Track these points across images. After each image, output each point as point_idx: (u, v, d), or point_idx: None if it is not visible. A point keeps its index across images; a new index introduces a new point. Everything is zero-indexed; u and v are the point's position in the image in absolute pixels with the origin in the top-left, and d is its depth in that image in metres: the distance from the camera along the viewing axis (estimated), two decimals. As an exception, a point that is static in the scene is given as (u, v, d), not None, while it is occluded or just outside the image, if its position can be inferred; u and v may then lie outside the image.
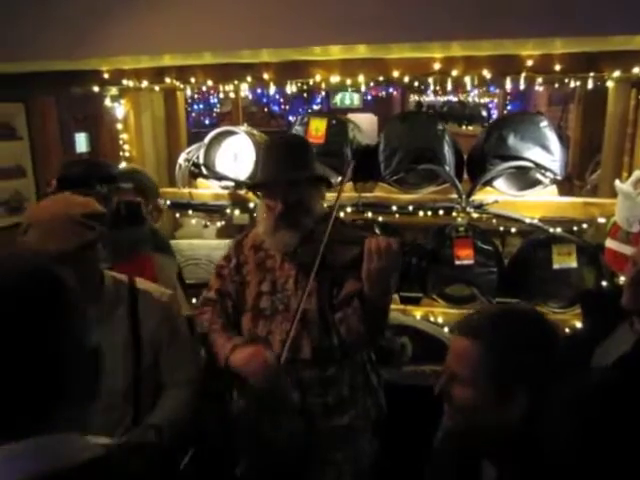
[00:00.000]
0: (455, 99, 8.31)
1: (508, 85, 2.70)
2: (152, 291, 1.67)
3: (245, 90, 3.13)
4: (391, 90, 6.59)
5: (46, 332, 0.67)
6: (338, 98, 6.75)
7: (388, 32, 2.07)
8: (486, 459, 1.23)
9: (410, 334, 2.50)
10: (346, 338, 1.71)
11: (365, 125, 3.50)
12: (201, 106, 6.48)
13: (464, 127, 7.89)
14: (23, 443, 0.64)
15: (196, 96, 3.27)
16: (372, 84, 2.58)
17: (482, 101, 8.21)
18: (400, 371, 2.38)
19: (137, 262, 2.12)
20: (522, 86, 2.71)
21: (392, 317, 2.49)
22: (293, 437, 1.78)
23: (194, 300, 2.63)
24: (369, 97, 6.95)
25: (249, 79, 2.64)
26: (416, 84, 2.56)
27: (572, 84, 2.79)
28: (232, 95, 3.35)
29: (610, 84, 2.66)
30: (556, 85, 3.07)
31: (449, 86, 2.74)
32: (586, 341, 1.91)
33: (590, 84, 2.65)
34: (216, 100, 6.33)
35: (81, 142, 4.77)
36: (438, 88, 2.93)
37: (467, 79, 2.48)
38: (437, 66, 2.44)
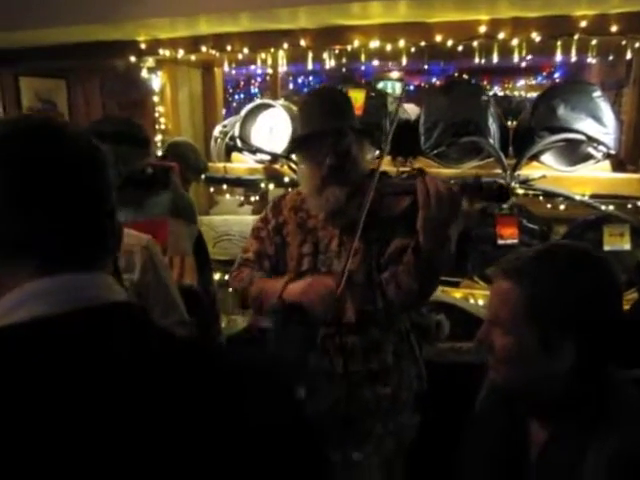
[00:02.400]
0: (500, 93, 8.07)
1: (559, 55, 2.55)
2: (128, 235, 1.59)
3: (283, 65, 3.06)
4: (434, 80, 6.45)
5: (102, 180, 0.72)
6: (380, 87, 6.57)
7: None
8: (534, 419, 1.10)
9: (447, 311, 2.37)
10: (394, 298, 1.60)
11: (408, 115, 3.37)
12: (242, 96, 6.48)
13: (509, 122, 7.62)
14: (59, 278, 0.65)
15: (234, 72, 3.23)
16: (413, 49, 2.47)
17: (528, 95, 7.94)
18: (436, 348, 2.25)
19: (153, 224, 2.08)
20: (574, 56, 2.55)
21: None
22: (334, 406, 1.69)
23: (227, 277, 2.57)
24: (411, 87, 6.82)
25: (286, 46, 2.57)
26: (460, 49, 2.43)
27: (629, 54, 2.61)
28: (270, 70, 3.29)
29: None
30: (610, 57, 2.90)
31: (495, 58, 2.61)
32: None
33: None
34: (257, 90, 6.34)
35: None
36: (483, 60, 2.78)
37: (515, 42, 2.34)
38: (483, 29, 2.32)
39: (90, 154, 0.72)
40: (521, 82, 7.55)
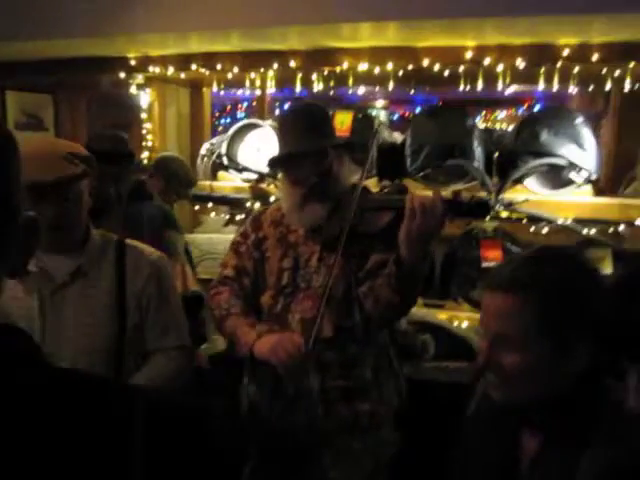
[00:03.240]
0: (482, 126, 8.19)
1: (541, 84, 2.62)
2: (141, 248, 1.58)
3: (271, 87, 3.09)
4: (418, 110, 6.57)
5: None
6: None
7: (419, 9, 2.00)
8: (527, 428, 1.08)
9: (432, 331, 2.36)
10: (372, 312, 1.59)
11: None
12: (228, 120, 6.53)
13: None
14: None
15: (222, 93, 3.27)
16: (401, 72, 2.52)
17: (509, 128, 8.09)
18: (421, 367, 2.24)
19: (149, 237, 2.10)
20: (556, 84, 2.63)
21: (414, 313, 2.38)
22: (310, 424, 1.65)
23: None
24: (396, 117, 6.94)
25: (275, 66, 2.60)
26: (446, 74, 2.48)
27: (609, 84, 2.69)
28: (258, 92, 3.32)
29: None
30: (590, 88, 2.99)
31: (480, 84, 2.67)
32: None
33: (627, 84, 2.56)
34: (244, 114, 6.39)
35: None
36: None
37: (499, 68, 2.40)
38: (469, 54, 2.38)
39: None
40: (502, 114, 7.71)
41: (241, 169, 2.92)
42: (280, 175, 1.90)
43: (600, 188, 2.99)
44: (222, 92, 3.20)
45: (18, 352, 0.58)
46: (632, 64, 2.27)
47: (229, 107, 6.74)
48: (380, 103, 6.47)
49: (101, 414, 0.57)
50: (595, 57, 2.27)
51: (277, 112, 6.59)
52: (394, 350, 1.79)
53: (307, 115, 1.72)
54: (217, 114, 6.40)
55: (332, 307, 1.64)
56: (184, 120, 3.40)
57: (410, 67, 2.48)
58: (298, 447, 1.69)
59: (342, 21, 2.10)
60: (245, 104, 6.55)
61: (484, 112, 7.41)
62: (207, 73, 2.75)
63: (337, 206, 1.66)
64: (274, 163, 1.83)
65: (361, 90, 3.20)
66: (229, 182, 3.04)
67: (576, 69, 2.37)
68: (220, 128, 6.14)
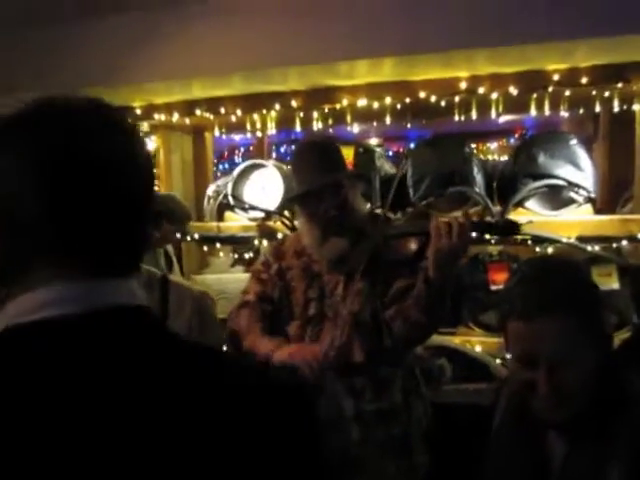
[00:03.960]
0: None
1: (533, 110, 2.71)
2: (184, 285, 1.63)
3: (272, 129, 3.18)
4: (412, 146, 6.72)
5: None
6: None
7: (413, 43, 2.11)
8: (555, 433, 1.10)
9: (448, 355, 2.38)
10: (400, 334, 1.62)
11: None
12: (226, 165, 6.66)
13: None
14: (80, 284, 0.60)
15: (223, 137, 3.38)
16: (399, 106, 2.61)
17: (501, 159, 8.25)
18: (441, 391, 2.24)
19: None
20: (547, 110, 2.71)
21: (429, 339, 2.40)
22: (345, 449, 1.67)
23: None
24: (390, 153, 7.08)
25: (277, 107, 2.69)
26: (442, 104, 2.57)
27: (598, 106, 2.78)
28: (259, 134, 3.42)
29: (637, 107, 2.67)
30: (581, 110, 3.08)
31: (474, 114, 2.75)
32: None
33: (616, 106, 2.66)
34: (240, 160, 6.52)
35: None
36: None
37: (493, 96, 2.49)
38: (463, 85, 2.47)
39: (139, 149, 0.64)
40: (494, 145, 7.88)
41: (247, 208, 2.98)
42: (297, 212, 1.97)
43: (598, 209, 3.06)
44: (224, 136, 3.28)
45: (149, 328, 0.65)
46: (620, 84, 2.36)
47: (226, 153, 6.89)
48: (375, 141, 6.62)
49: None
50: (584, 80, 2.36)
51: (274, 155, 6.76)
52: (420, 373, 1.82)
53: (320, 150, 1.79)
54: (215, 160, 6.53)
55: (361, 333, 1.68)
56: (188, 165, 3.48)
57: (407, 100, 2.56)
58: (333, 473, 1.69)
59: (340, 59, 2.20)
60: (242, 149, 6.70)
61: (475, 145, 7.58)
62: (211, 117, 2.84)
63: (359, 236, 1.72)
64: (292, 200, 1.89)
65: (356, 129, 3.29)
66: (236, 222, 3.10)
67: (567, 93, 2.46)
68: (219, 174, 6.27)
